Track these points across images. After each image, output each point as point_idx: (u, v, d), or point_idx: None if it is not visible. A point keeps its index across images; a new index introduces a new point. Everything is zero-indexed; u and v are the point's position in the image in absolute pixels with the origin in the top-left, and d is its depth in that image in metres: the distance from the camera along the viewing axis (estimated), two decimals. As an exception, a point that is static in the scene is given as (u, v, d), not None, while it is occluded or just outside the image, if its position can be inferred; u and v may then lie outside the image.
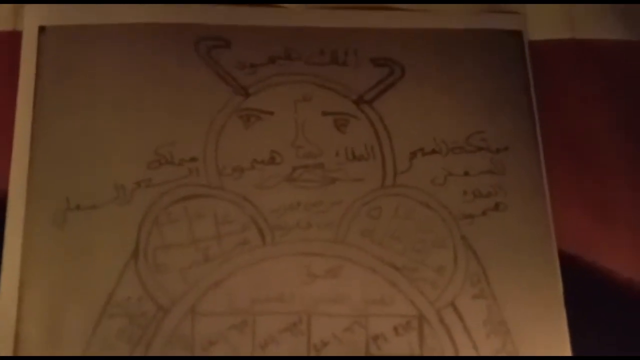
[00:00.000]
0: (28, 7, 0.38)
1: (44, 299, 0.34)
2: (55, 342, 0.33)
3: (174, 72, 0.38)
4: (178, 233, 0.35)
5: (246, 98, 0.38)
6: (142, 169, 0.36)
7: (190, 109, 0.37)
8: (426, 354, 0.35)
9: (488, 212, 0.38)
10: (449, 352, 0.35)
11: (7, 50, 0.38)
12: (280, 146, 0.37)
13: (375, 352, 0.35)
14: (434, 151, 0.38)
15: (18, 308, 0.34)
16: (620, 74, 0.42)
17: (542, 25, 0.42)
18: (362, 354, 0.34)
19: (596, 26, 0.43)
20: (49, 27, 0.38)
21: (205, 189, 0.36)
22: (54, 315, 0.34)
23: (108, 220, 0.35)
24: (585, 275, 0.38)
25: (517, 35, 0.41)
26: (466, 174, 0.38)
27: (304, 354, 0.34)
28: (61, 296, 0.34)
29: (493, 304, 0.36)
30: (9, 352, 0.33)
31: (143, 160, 0.36)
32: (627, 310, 0.37)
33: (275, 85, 0.39)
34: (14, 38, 0.38)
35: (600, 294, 0.37)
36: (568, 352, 0.35)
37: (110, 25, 0.38)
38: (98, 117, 0.37)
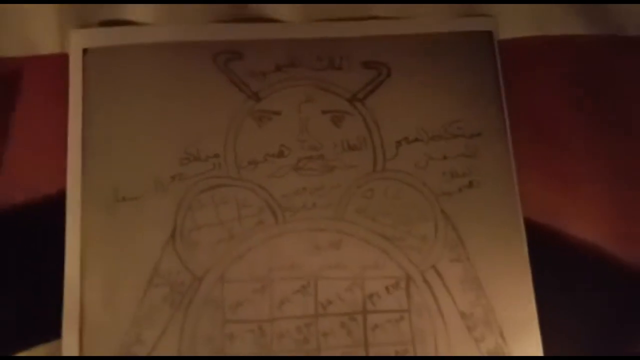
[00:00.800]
0: (73, 32, 0.46)
1: (101, 273, 0.41)
2: (113, 307, 0.41)
3: (197, 82, 0.45)
4: (207, 216, 0.43)
5: (258, 101, 0.45)
6: (175, 165, 0.43)
7: (212, 113, 0.44)
8: (413, 308, 0.42)
9: (463, 189, 0.44)
10: (432, 306, 0.42)
11: (57, 70, 0.45)
12: (287, 141, 0.44)
13: (370, 308, 0.42)
14: (416, 139, 0.45)
15: (81, 281, 0.41)
16: (581, 63, 0.48)
17: (511, 24, 0.48)
18: (359, 309, 0.42)
19: (560, 22, 0.48)
20: (90, 49, 0.45)
21: (227, 180, 0.43)
22: (110, 286, 0.41)
23: (149, 209, 0.43)
24: (550, 240, 0.44)
25: (488, 35, 0.48)
26: (444, 157, 0.45)
27: (312, 311, 0.42)
28: (115, 271, 0.42)
29: (468, 265, 0.43)
30: (76, 315, 0.41)
31: (176, 158, 0.43)
32: (588, 270, 0.44)
33: (281, 89, 0.45)
34: (62, 59, 0.46)
35: (564, 256, 0.44)
36: (532, 303, 0.42)
37: (141, 45, 0.45)
38: (136, 123, 0.44)
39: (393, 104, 0.46)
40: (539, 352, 0.42)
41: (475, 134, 0.45)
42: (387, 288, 0.42)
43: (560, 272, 0.44)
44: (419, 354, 0.41)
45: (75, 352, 0.40)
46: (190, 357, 0.40)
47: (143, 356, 0.40)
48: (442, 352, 0.41)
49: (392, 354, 0.41)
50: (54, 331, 0.41)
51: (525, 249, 0.43)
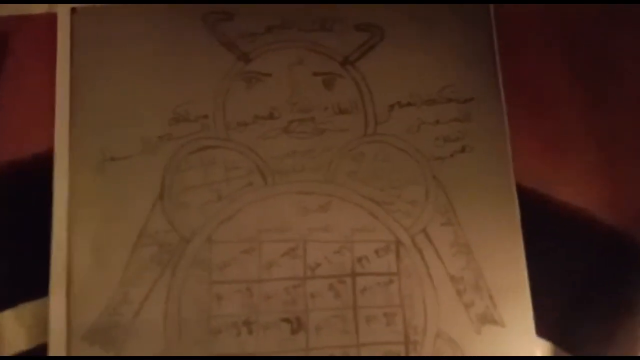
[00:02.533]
0: (61, -7, 0.45)
1: (89, 233, 0.41)
2: (100, 265, 0.41)
3: (186, 42, 0.44)
4: (195, 177, 0.42)
5: (247, 63, 0.44)
6: (163, 125, 0.43)
7: (201, 73, 0.44)
8: (402, 272, 0.42)
9: (455, 154, 0.44)
10: (422, 270, 0.42)
11: (45, 29, 0.44)
12: (277, 103, 0.44)
13: (359, 271, 0.42)
14: (409, 104, 0.45)
15: (69, 239, 0.41)
16: (576, 32, 0.47)
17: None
18: (348, 272, 0.42)
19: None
20: (79, 8, 0.45)
21: (215, 141, 0.43)
22: (97, 245, 0.41)
23: (137, 169, 0.42)
24: (540, 205, 0.44)
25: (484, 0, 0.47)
26: (437, 122, 0.44)
27: (300, 274, 0.41)
28: (103, 230, 0.41)
29: (458, 230, 0.43)
30: (64, 274, 0.40)
31: (164, 117, 0.43)
32: (576, 234, 0.44)
33: (272, 51, 0.45)
34: (50, 19, 0.45)
35: (554, 220, 0.44)
36: (523, 268, 0.42)
37: (129, 4, 0.45)
38: (124, 83, 0.43)
39: (386, 68, 0.45)
40: (529, 317, 0.41)
41: (468, 98, 0.45)
42: (376, 251, 0.42)
43: (550, 236, 0.43)
44: (408, 318, 0.41)
45: (62, 310, 0.40)
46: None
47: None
48: (431, 316, 0.41)
49: (381, 317, 0.41)
50: (41, 289, 0.40)
51: (517, 214, 0.43)
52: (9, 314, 0.41)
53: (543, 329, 0.42)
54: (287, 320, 0.41)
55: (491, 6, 0.46)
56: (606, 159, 0.45)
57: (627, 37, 0.47)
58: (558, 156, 0.45)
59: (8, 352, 0.40)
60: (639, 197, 0.44)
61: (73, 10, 0.45)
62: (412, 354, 0.41)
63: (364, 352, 0.41)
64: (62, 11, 0.45)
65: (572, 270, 0.43)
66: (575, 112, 0.46)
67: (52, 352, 0.40)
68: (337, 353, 0.40)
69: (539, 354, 0.41)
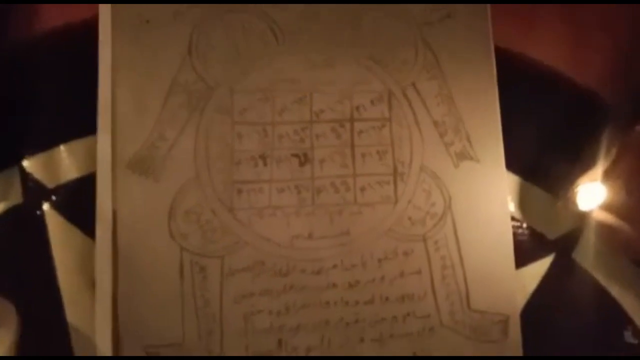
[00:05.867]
0: None
1: (129, 82, 0.48)
2: (139, 110, 0.48)
3: None
4: (218, 37, 0.49)
5: None
6: (192, -6, 0.50)
7: None
8: (393, 118, 0.49)
9: (443, 19, 0.51)
10: (410, 116, 0.49)
11: None
12: None
13: (357, 117, 0.49)
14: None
15: (112, 89, 0.48)
16: None
17: None
18: (347, 117, 0.49)
19: None
20: None
21: (235, 6, 0.50)
22: (136, 93, 0.48)
23: (168, 30, 0.49)
24: (513, 62, 0.51)
25: None
26: None
27: (307, 118, 0.49)
28: (140, 80, 0.48)
29: (442, 83, 0.50)
30: (109, 116, 0.48)
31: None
32: (545, 88, 0.52)
33: None
34: None
35: (525, 75, 0.51)
36: (497, 114, 0.50)
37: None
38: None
39: None
40: (501, 154, 0.49)
41: None
42: (372, 101, 0.49)
43: (521, 88, 0.51)
44: (397, 155, 0.49)
45: (108, 144, 0.47)
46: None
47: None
48: (417, 153, 0.49)
49: (374, 154, 0.49)
50: (89, 128, 0.48)
51: (494, 69, 0.50)
52: (63, 148, 0.48)
53: (512, 166, 0.49)
54: (296, 155, 0.48)
55: None
56: (573, 28, 0.52)
57: None
58: (531, 24, 0.52)
59: (64, 179, 0.48)
60: (599, 61, 0.51)
61: None
62: (399, 183, 0.49)
63: (359, 181, 0.49)
64: None
65: (541, 119, 0.50)
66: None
67: (100, 179, 0.47)
68: (337, 182, 0.48)
69: (507, 186, 0.49)
